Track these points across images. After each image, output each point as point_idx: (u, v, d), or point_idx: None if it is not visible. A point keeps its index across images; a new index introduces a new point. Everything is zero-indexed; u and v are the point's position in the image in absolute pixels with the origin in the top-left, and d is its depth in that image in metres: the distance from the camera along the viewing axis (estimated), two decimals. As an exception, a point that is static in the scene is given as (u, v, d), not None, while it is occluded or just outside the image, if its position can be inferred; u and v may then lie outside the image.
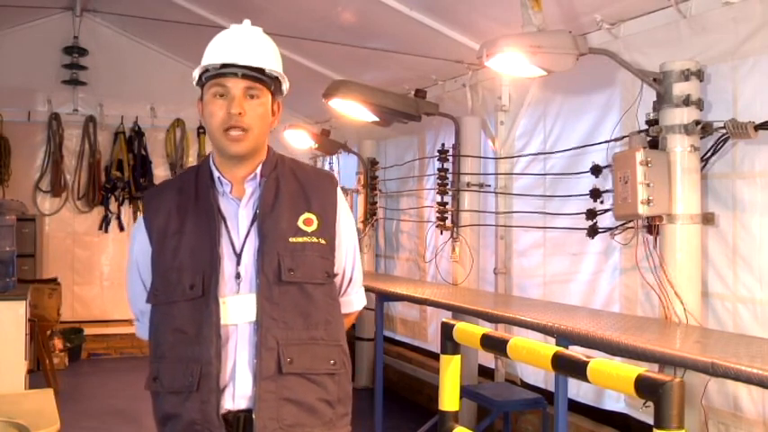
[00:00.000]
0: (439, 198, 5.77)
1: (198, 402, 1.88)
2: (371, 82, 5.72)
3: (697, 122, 3.51)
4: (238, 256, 1.95)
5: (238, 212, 1.99)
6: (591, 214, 4.22)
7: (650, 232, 3.67)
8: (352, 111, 5.45)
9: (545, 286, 5.07)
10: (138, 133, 8.64)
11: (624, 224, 4.01)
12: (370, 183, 7.16)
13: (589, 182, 4.33)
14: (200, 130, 8.88)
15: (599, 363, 2.28)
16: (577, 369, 2.35)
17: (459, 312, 4.30)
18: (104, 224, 8.58)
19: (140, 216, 2.11)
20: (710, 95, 3.67)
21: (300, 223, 1.99)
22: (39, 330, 6.17)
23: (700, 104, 3.56)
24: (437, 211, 5.77)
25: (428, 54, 5.53)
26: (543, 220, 5.01)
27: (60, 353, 7.70)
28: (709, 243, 3.71)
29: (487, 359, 5.51)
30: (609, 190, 4.01)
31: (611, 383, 2.27)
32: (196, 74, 2.02)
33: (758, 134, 3.33)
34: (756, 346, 2.92)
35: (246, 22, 2.10)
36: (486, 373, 5.58)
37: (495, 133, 5.53)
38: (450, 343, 3.01)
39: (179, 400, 1.91)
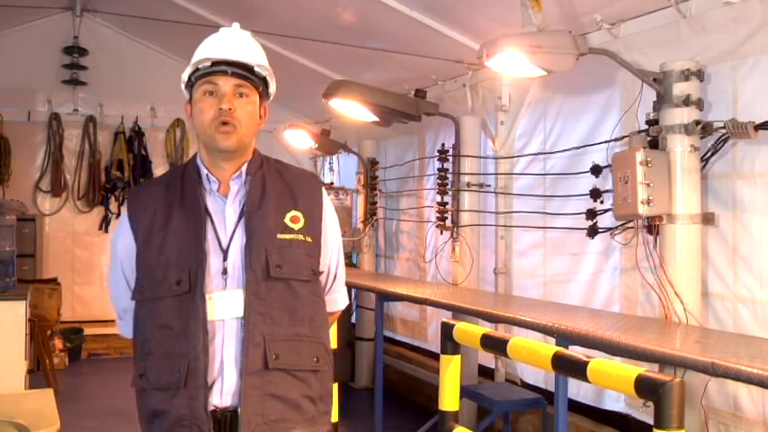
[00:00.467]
0: (439, 198, 5.76)
1: (186, 398, 1.89)
2: (371, 82, 5.72)
3: (697, 122, 3.51)
4: (225, 252, 1.97)
5: (225, 209, 2.01)
6: (591, 214, 4.22)
7: (650, 232, 3.67)
8: (352, 111, 5.45)
9: (545, 286, 5.07)
10: (138, 133, 8.64)
11: (624, 224, 4.01)
12: (370, 183, 7.16)
13: (589, 182, 4.33)
14: (201, 130, 8.86)
15: (599, 363, 2.28)
16: (577, 369, 2.36)
17: (459, 312, 4.30)
18: (104, 224, 8.58)
19: (124, 213, 2.12)
20: (710, 95, 3.67)
21: (287, 221, 2.02)
22: (39, 330, 6.17)
23: (700, 104, 3.56)
24: (437, 211, 5.77)
25: (428, 54, 5.53)
26: (543, 220, 5.01)
27: (60, 353, 7.70)
28: (709, 243, 3.71)
29: (487, 359, 5.51)
30: (609, 190, 4.01)
31: (611, 383, 2.27)
32: (186, 75, 2.04)
33: (758, 134, 3.33)
34: (756, 346, 2.92)
35: (236, 24, 2.12)
36: (486, 373, 5.58)
37: (495, 133, 5.53)
38: (450, 343, 3.02)
39: (166, 396, 1.92)
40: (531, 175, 5.17)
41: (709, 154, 3.65)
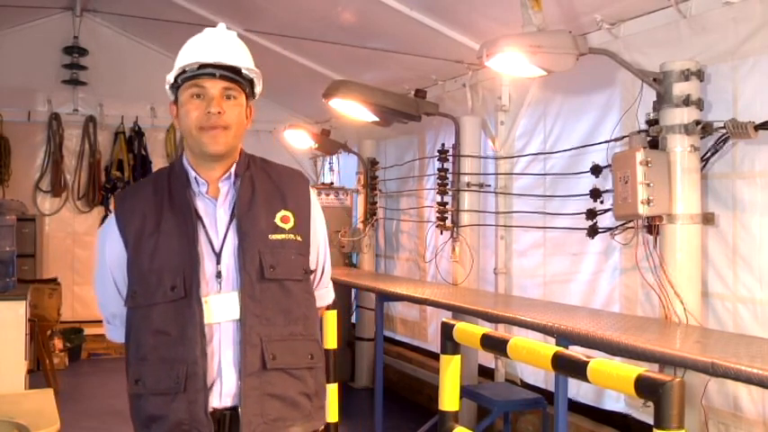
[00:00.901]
0: (439, 198, 5.76)
1: (185, 402, 1.89)
2: (371, 82, 5.72)
3: (697, 122, 3.51)
4: (218, 255, 1.97)
5: (216, 212, 2.00)
6: (591, 214, 4.22)
7: (650, 232, 3.67)
8: (352, 111, 5.46)
9: (545, 286, 5.07)
10: (138, 133, 8.64)
11: (624, 224, 4.01)
12: (370, 183, 7.16)
13: (589, 182, 4.33)
14: (201, 130, 8.86)
15: (599, 363, 2.28)
16: (577, 369, 2.36)
17: (459, 312, 4.30)
18: (104, 224, 8.57)
19: (110, 218, 2.08)
20: (710, 95, 3.67)
21: (278, 221, 2.02)
22: (39, 330, 6.17)
23: (700, 104, 3.56)
24: (437, 211, 5.77)
25: (428, 54, 5.53)
26: (543, 220, 5.01)
27: (60, 353, 7.70)
28: (709, 243, 3.71)
29: (487, 359, 5.51)
30: (609, 190, 4.01)
31: (611, 383, 2.27)
32: (171, 76, 2.03)
33: (758, 134, 3.33)
34: (756, 346, 2.92)
35: (222, 25, 2.11)
36: (486, 373, 5.58)
37: (495, 133, 5.53)
38: (450, 343, 3.02)
39: (164, 401, 1.91)
40: (531, 175, 5.17)
41: (709, 154, 3.65)
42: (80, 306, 8.42)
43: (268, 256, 1.96)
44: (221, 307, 1.94)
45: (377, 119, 5.58)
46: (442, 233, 5.85)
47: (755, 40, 3.51)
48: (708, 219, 3.66)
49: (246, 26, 6.35)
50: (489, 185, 5.55)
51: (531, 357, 2.67)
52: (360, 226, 7.28)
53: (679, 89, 3.53)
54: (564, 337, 3.32)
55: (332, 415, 4.24)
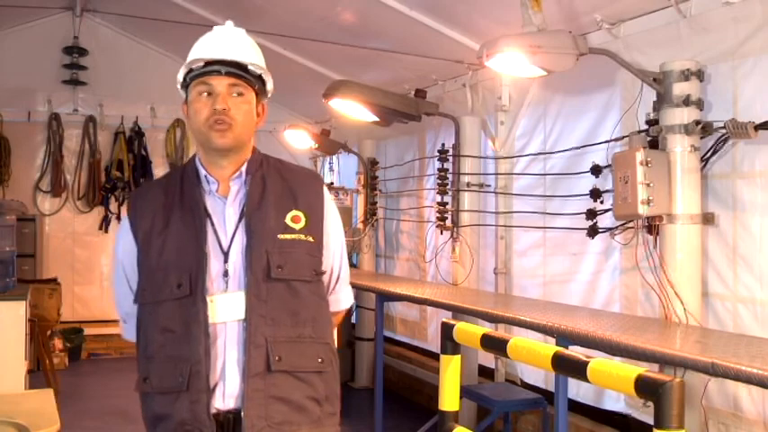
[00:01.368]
0: (439, 198, 5.76)
1: (187, 402, 1.88)
2: (371, 82, 5.72)
3: (697, 122, 3.51)
4: (225, 254, 1.95)
5: (225, 210, 1.99)
6: (591, 214, 4.22)
7: (650, 232, 3.67)
8: (352, 111, 5.45)
9: (545, 286, 5.07)
10: (138, 133, 8.64)
11: (624, 224, 4.01)
12: (370, 183, 7.16)
13: (589, 182, 4.33)
14: (201, 130, 8.86)
15: (599, 363, 2.28)
16: (577, 369, 2.36)
17: (459, 312, 4.30)
18: (104, 224, 8.58)
19: (124, 217, 2.10)
20: (710, 95, 3.67)
21: (288, 221, 2.00)
22: (39, 330, 6.17)
23: (700, 104, 3.56)
24: (437, 211, 5.77)
25: (428, 54, 5.53)
26: (543, 220, 5.01)
27: (60, 353, 7.70)
28: (709, 243, 3.71)
29: (487, 359, 5.51)
30: (609, 190, 4.01)
31: (611, 383, 2.27)
32: (180, 76, 2.03)
33: (758, 134, 3.33)
34: (756, 346, 2.91)
35: (229, 23, 2.12)
36: (486, 373, 5.58)
37: (495, 133, 5.53)
38: (450, 343, 3.02)
39: (169, 400, 1.91)
40: (531, 175, 5.17)
41: (709, 154, 3.65)
42: (80, 306, 8.43)
43: (276, 255, 1.95)
44: (227, 306, 1.92)
45: (377, 119, 5.58)
46: (442, 233, 5.85)
47: (755, 40, 3.51)
48: (708, 219, 3.66)
49: (246, 26, 6.31)
50: (489, 185, 5.55)
51: (531, 357, 2.67)
52: (360, 226, 7.28)
53: (679, 89, 3.53)
54: (564, 337, 3.32)
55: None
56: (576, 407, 4.52)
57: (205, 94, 1.97)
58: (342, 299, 2.23)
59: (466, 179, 5.54)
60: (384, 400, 5.38)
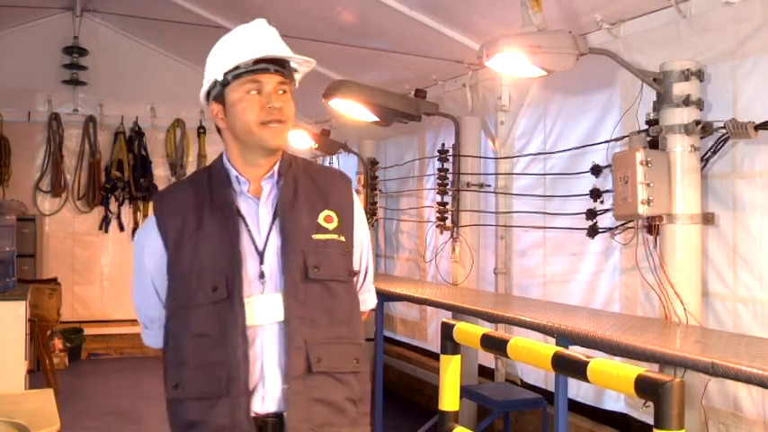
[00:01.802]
0: (439, 198, 5.76)
1: (227, 407, 1.84)
2: (371, 82, 5.72)
3: (697, 122, 3.51)
4: (261, 256, 1.92)
5: (258, 211, 1.96)
6: (591, 214, 4.22)
7: (650, 232, 3.67)
8: (352, 111, 5.45)
9: (545, 286, 5.07)
10: (138, 133, 8.64)
11: (624, 224, 4.01)
12: (370, 183, 7.16)
13: (589, 182, 4.33)
14: (200, 130, 8.87)
15: (599, 363, 2.28)
16: (577, 369, 2.36)
17: (459, 312, 4.30)
18: (104, 224, 8.58)
19: (151, 218, 2.02)
20: (710, 95, 3.66)
21: (321, 220, 1.98)
22: (39, 330, 6.17)
23: (700, 104, 3.55)
24: (437, 211, 5.77)
25: (428, 54, 5.53)
26: (543, 220, 5.01)
27: (60, 353, 7.70)
28: (709, 243, 3.71)
29: (487, 359, 5.51)
30: (609, 190, 4.01)
31: (611, 383, 2.27)
32: (220, 74, 1.95)
33: (758, 134, 3.32)
34: (756, 346, 2.91)
35: (263, 21, 2.09)
36: (486, 373, 5.58)
37: (495, 133, 5.53)
38: (450, 343, 3.02)
39: (205, 406, 1.86)
40: (531, 175, 5.17)
41: (709, 154, 3.65)
42: (80, 306, 8.43)
43: (312, 256, 1.92)
44: (264, 308, 1.89)
45: (377, 119, 5.58)
46: (441, 233, 5.85)
47: (755, 40, 3.50)
48: (708, 219, 3.66)
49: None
50: (489, 185, 5.55)
51: (531, 357, 2.67)
52: (360, 226, 7.27)
53: (679, 89, 3.53)
54: (564, 337, 3.32)
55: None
56: (575, 407, 4.52)
57: (254, 92, 1.93)
58: (368, 299, 2.22)
59: (466, 179, 5.54)
60: (384, 400, 5.37)
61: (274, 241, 1.93)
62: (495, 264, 5.52)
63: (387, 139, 7.20)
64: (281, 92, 1.95)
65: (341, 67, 6.47)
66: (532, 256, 5.22)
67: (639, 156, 3.52)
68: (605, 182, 4.20)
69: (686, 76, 3.52)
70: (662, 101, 3.59)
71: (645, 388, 2.07)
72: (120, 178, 8.52)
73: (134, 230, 8.61)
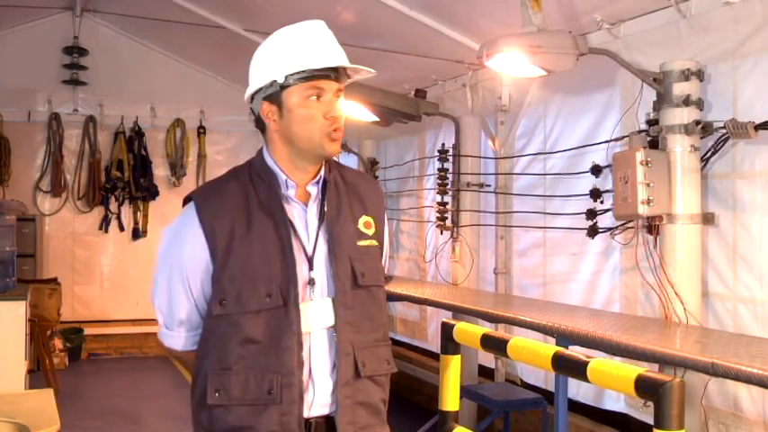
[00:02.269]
0: (439, 198, 5.76)
1: (278, 414, 1.83)
2: (371, 82, 5.71)
3: (697, 122, 3.51)
4: (310, 262, 1.91)
5: (306, 216, 1.94)
6: (591, 214, 4.22)
7: (650, 232, 3.67)
8: (352, 111, 5.45)
9: (545, 286, 5.07)
10: (138, 133, 8.64)
11: (624, 224, 4.01)
12: (371, 183, 7.15)
13: (589, 182, 4.33)
14: (200, 130, 8.88)
15: (599, 363, 2.28)
16: (577, 369, 2.36)
17: (459, 312, 4.30)
18: (104, 224, 8.58)
19: (191, 218, 1.92)
20: (710, 95, 3.67)
21: (361, 226, 1.99)
22: (39, 330, 6.17)
23: (700, 104, 3.55)
24: (437, 211, 5.77)
25: (428, 54, 5.53)
26: (543, 220, 5.01)
27: (60, 353, 7.70)
28: (709, 243, 3.71)
29: (487, 359, 5.51)
30: (609, 190, 4.01)
31: (611, 383, 2.27)
32: (281, 76, 1.90)
33: (758, 134, 3.33)
34: (756, 346, 2.91)
35: (321, 22, 2.08)
36: (486, 373, 5.58)
37: (495, 133, 5.53)
38: (450, 343, 3.02)
39: (253, 411, 1.84)
40: (531, 175, 5.17)
41: (709, 154, 3.65)
42: (80, 306, 8.43)
43: (358, 263, 1.93)
44: (315, 315, 1.89)
45: (377, 119, 5.58)
46: (442, 233, 5.85)
47: (755, 40, 3.50)
48: (708, 219, 3.66)
49: (246, 26, 6.35)
50: (489, 185, 5.55)
51: (531, 357, 2.67)
52: (360, 226, 7.27)
53: (679, 89, 3.53)
54: (564, 337, 3.32)
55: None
56: (575, 407, 4.52)
57: (314, 98, 1.91)
58: None
59: (466, 179, 5.54)
60: (384, 400, 5.37)
61: (322, 247, 1.92)
62: (495, 264, 5.53)
63: (387, 139, 7.21)
64: (337, 98, 1.96)
65: (341, 67, 6.46)
66: (532, 256, 5.23)
67: (639, 156, 3.52)
68: (605, 182, 4.20)
69: (686, 76, 3.52)
70: (662, 101, 3.59)
71: (645, 388, 2.07)
72: (120, 178, 8.52)
73: (134, 230, 8.63)
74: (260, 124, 1.99)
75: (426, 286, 5.57)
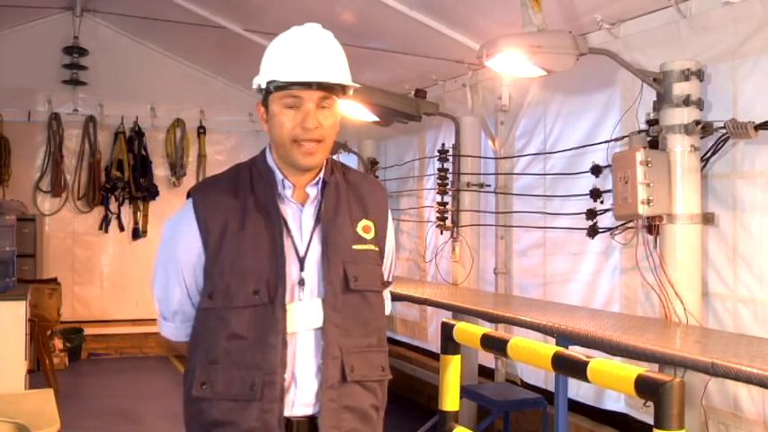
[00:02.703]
0: (439, 198, 5.76)
1: (258, 411, 1.84)
2: (371, 82, 5.72)
3: (697, 122, 3.51)
4: (302, 262, 1.91)
5: (301, 217, 1.94)
6: (591, 214, 4.22)
7: (650, 232, 3.67)
8: (353, 111, 5.45)
9: (545, 286, 5.07)
10: (138, 133, 8.64)
11: (624, 224, 4.01)
12: (370, 183, 7.15)
13: (589, 182, 4.33)
14: (200, 130, 8.88)
15: (599, 363, 2.29)
16: (577, 369, 2.36)
17: (459, 312, 4.30)
18: (104, 224, 8.58)
19: (188, 212, 1.95)
20: (710, 95, 3.67)
21: (360, 230, 1.98)
22: (39, 330, 6.17)
23: (700, 104, 3.56)
24: (437, 211, 5.77)
25: (428, 54, 5.53)
26: (543, 220, 5.01)
27: (60, 353, 7.70)
28: (709, 243, 3.71)
29: (487, 359, 5.51)
30: (609, 190, 4.01)
31: (611, 383, 2.27)
32: (262, 82, 1.90)
33: (758, 134, 3.33)
34: (756, 346, 2.92)
35: (316, 26, 2.03)
36: (486, 373, 5.58)
37: (495, 133, 5.53)
38: (450, 343, 3.02)
39: (235, 407, 1.86)
40: (531, 175, 5.17)
41: (709, 154, 3.65)
42: (80, 306, 8.43)
43: (352, 266, 1.92)
44: (302, 316, 1.89)
45: (377, 119, 5.58)
46: (442, 233, 5.85)
47: (755, 40, 3.51)
48: (708, 219, 3.66)
49: (246, 26, 6.35)
50: (489, 185, 5.55)
51: (531, 357, 2.67)
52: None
53: (679, 89, 3.53)
54: (564, 337, 3.32)
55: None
56: (576, 407, 4.52)
57: (292, 107, 1.87)
58: (387, 306, 2.20)
59: (466, 179, 5.54)
60: (384, 400, 5.37)
61: (315, 248, 1.92)
62: (495, 264, 5.53)
63: (387, 139, 7.21)
64: (322, 107, 1.89)
65: (341, 67, 6.46)
66: (532, 256, 5.23)
67: (639, 156, 3.52)
68: (605, 182, 4.20)
69: (686, 76, 3.53)
70: (662, 101, 3.59)
71: (645, 388, 2.08)
72: (120, 178, 8.52)
73: (134, 230, 8.63)
74: None
75: (426, 286, 5.57)
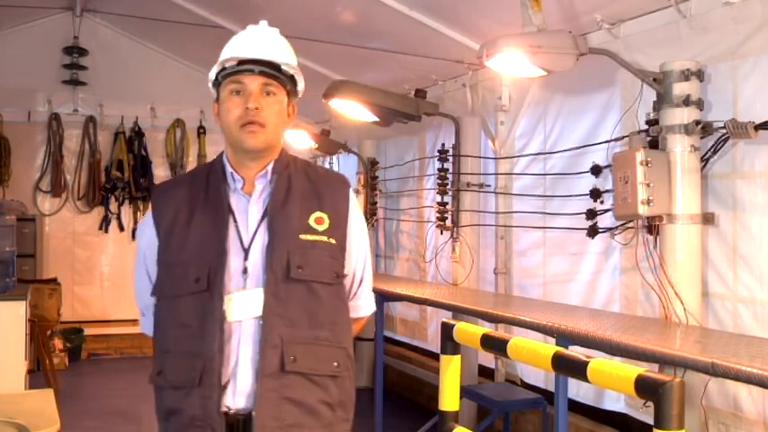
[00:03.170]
0: (439, 198, 5.76)
1: (199, 398, 1.87)
2: (371, 82, 5.72)
3: (697, 122, 3.51)
4: (246, 252, 1.95)
5: (248, 208, 1.99)
6: (591, 214, 4.22)
7: (650, 232, 3.67)
8: (352, 111, 5.45)
9: (545, 286, 5.07)
10: (138, 133, 8.64)
11: (624, 224, 4.01)
12: (370, 183, 7.16)
13: (589, 182, 4.33)
14: (200, 130, 8.88)
15: (599, 363, 2.29)
16: (577, 369, 2.36)
17: (459, 312, 4.30)
18: (104, 224, 8.58)
19: (149, 210, 2.11)
20: (710, 95, 3.67)
21: (311, 221, 1.99)
22: (39, 330, 6.17)
23: (700, 104, 3.56)
24: (437, 211, 5.77)
25: (428, 54, 5.53)
26: (543, 220, 5.01)
27: (60, 353, 7.70)
28: (709, 243, 3.71)
29: (487, 359, 5.51)
30: (609, 190, 4.01)
31: (611, 383, 2.27)
32: (213, 74, 2.03)
33: (758, 134, 3.33)
34: (756, 346, 2.92)
35: (263, 22, 2.12)
36: (486, 373, 5.58)
37: (495, 133, 5.53)
38: (450, 343, 3.02)
39: (181, 394, 1.90)
40: (531, 176, 5.17)
41: (709, 154, 3.65)
42: (80, 306, 8.43)
43: (297, 255, 1.94)
44: (244, 304, 1.92)
45: (377, 119, 5.58)
46: (442, 233, 5.85)
47: (755, 40, 3.51)
48: (708, 219, 3.66)
49: (246, 26, 6.34)
50: (489, 185, 5.55)
51: (531, 357, 2.67)
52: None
53: (679, 89, 3.53)
54: (564, 337, 3.32)
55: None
56: (576, 407, 4.52)
57: (237, 92, 1.97)
58: (362, 306, 2.20)
59: (466, 179, 5.54)
60: (384, 400, 5.38)
61: (261, 239, 1.96)
62: (495, 264, 5.52)
63: (387, 139, 7.21)
64: (266, 94, 1.97)
65: (341, 67, 6.47)
66: (532, 256, 5.23)
67: (639, 156, 3.53)
68: (605, 182, 4.20)
69: (686, 76, 3.53)
70: (662, 101, 3.59)
71: (645, 388, 2.08)
72: (120, 178, 8.53)
73: (134, 230, 8.62)
74: None
75: (426, 286, 5.58)
